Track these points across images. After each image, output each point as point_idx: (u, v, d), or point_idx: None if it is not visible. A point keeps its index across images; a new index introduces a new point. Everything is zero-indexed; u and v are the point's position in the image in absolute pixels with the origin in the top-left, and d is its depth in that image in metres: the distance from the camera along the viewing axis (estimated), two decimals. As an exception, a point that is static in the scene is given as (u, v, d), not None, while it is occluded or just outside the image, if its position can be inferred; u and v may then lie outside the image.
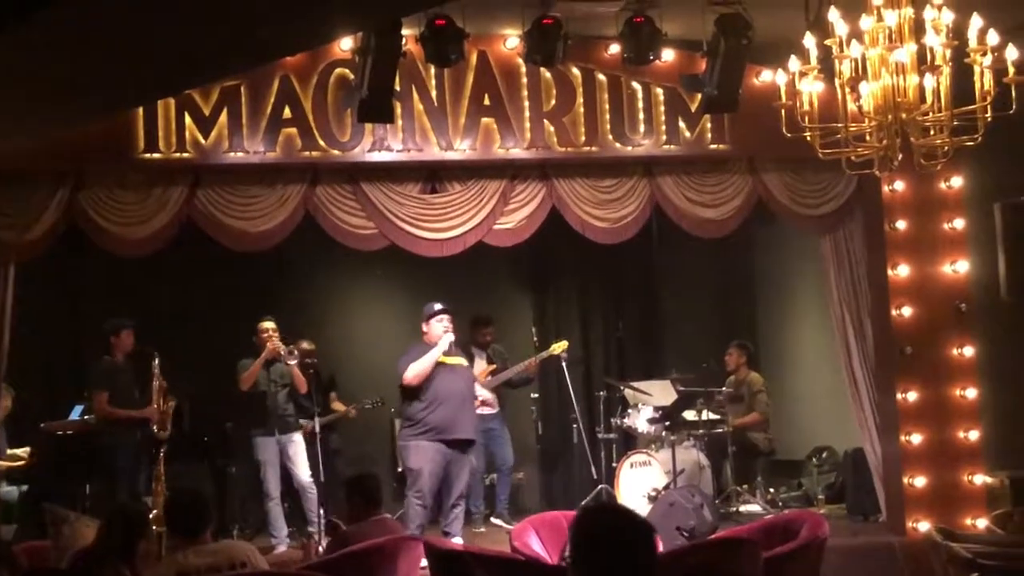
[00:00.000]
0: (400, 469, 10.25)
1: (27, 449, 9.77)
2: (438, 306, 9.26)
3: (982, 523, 9.00)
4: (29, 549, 7.23)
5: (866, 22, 6.24)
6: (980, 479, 9.52)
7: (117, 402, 9.38)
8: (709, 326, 12.22)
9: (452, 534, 9.13)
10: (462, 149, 9.09)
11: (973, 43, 6.14)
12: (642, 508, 9.40)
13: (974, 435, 9.55)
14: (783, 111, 6.55)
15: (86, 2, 4.70)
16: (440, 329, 9.15)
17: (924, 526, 9.13)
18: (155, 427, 9.29)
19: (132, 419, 9.32)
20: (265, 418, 9.64)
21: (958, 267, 9.61)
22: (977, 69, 6.17)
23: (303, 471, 9.60)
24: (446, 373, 9.14)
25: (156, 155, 8.72)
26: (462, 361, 9.44)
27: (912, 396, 9.52)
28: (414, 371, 9.03)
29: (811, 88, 6.46)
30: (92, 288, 10.60)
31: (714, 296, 12.56)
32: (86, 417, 9.66)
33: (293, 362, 9.58)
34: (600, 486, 10.16)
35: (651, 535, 3.28)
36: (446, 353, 9.16)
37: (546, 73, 9.03)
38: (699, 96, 8.93)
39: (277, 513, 9.65)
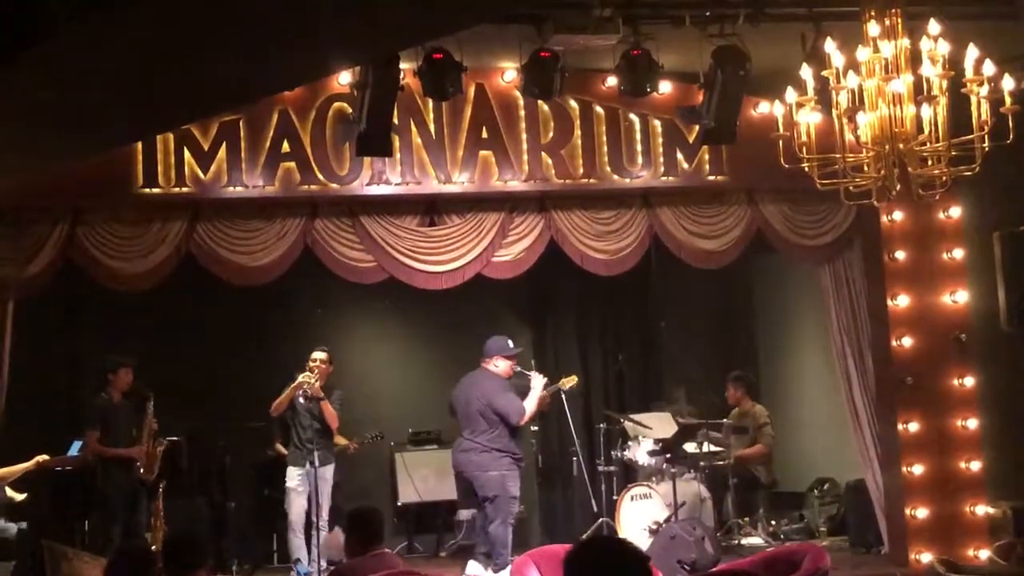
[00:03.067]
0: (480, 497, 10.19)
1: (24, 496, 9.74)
2: (512, 346, 9.50)
3: (984, 554, 8.98)
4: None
5: (862, 53, 6.27)
6: (982, 510, 9.48)
7: (110, 440, 9.34)
8: (709, 357, 12.19)
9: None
10: (460, 182, 9.11)
11: (970, 73, 6.16)
12: (643, 541, 9.35)
13: (976, 465, 9.53)
14: (781, 142, 6.56)
15: (84, 38, 4.71)
16: (507, 367, 9.42)
17: (927, 557, 9.11)
18: (141, 468, 9.32)
19: (119, 457, 9.31)
20: (298, 448, 9.63)
21: (958, 297, 9.61)
22: (974, 99, 6.19)
23: (325, 506, 9.57)
24: None
25: (155, 190, 8.74)
26: None
27: (913, 427, 9.51)
28: (529, 412, 9.35)
29: (808, 119, 6.48)
30: (90, 322, 10.58)
31: (714, 327, 12.53)
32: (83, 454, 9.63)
33: (303, 400, 9.56)
34: (601, 519, 10.13)
35: (645, 566, 3.26)
36: None
37: (544, 106, 9.07)
38: (696, 128, 8.97)
39: (300, 544, 9.58)
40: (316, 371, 9.55)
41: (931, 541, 9.34)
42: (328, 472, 9.65)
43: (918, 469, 9.49)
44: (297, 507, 9.60)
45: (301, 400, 9.55)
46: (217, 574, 9.05)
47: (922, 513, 9.44)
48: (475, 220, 9.35)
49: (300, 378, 9.52)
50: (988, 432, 9.58)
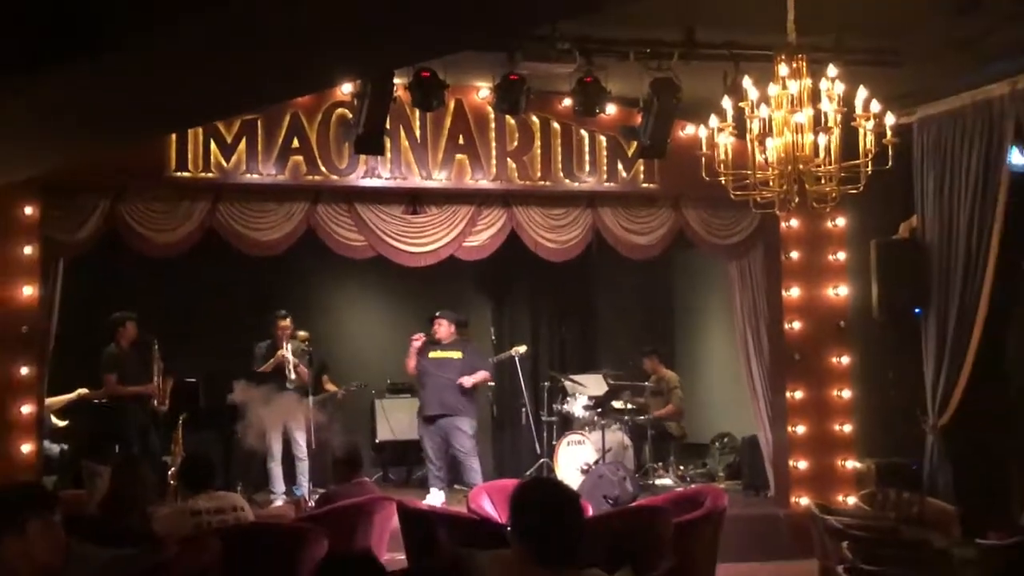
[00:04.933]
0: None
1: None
2: (436, 313, 9.76)
3: (852, 500, 9.08)
4: (68, 497, 7.16)
5: (773, 89, 6.29)
6: (851, 464, 9.60)
7: (125, 383, 9.27)
8: (636, 332, 12.24)
9: (468, 485, 9.23)
10: (439, 179, 9.07)
11: (859, 109, 6.21)
12: (576, 478, 9.42)
13: (848, 428, 9.63)
14: (703, 159, 6.59)
15: (130, 52, 4.66)
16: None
17: (805, 501, 9.20)
18: (155, 401, 9.28)
19: (138, 394, 9.25)
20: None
21: (840, 291, 9.70)
22: (861, 131, 6.24)
23: (301, 442, 9.55)
24: (433, 365, 9.60)
25: (185, 174, 8.66)
26: (451, 355, 9.54)
27: (799, 395, 9.60)
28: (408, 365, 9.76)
29: (726, 141, 6.50)
30: (126, 281, 10.46)
31: (641, 308, 12.58)
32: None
33: (293, 376, 9.52)
34: (541, 460, 10.18)
35: (576, 501, 3.26)
36: (441, 349, 9.66)
37: (511, 120, 9.03)
38: (635, 144, 8.97)
39: (277, 473, 9.58)
40: (284, 336, 9.58)
41: (809, 488, 9.44)
42: (299, 414, 9.57)
43: (801, 429, 9.58)
44: (276, 443, 9.57)
45: (292, 378, 9.52)
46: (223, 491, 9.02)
47: (803, 465, 9.55)
48: (450, 211, 9.31)
49: (279, 354, 9.59)
50: (859, 401, 9.69)
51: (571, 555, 3.14)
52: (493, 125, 9.11)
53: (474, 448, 9.56)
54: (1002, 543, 6.24)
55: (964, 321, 8.76)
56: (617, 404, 10.63)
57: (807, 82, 6.26)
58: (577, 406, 10.42)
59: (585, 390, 10.58)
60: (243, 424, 9.01)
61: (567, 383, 10.78)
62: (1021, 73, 8.01)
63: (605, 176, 9.39)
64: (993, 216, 8.53)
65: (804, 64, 6.27)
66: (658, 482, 10.26)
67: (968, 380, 8.78)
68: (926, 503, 7.75)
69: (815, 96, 6.29)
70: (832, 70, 6.27)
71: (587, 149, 9.33)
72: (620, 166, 9.39)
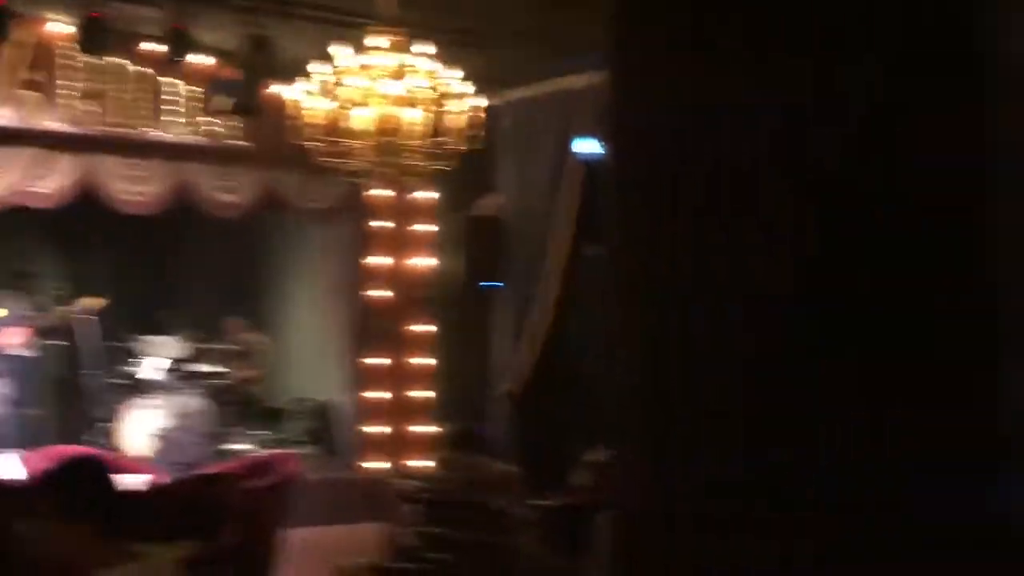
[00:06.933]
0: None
1: None
2: None
3: (424, 465, 9.47)
4: None
5: (366, 59, 6.37)
6: (427, 429, 9.98)
7: None
8: (221, 292, 11.94)
9: None
10: (2, 116, 8.30)
11: (450, 88, 6.45)
12: (148, 444, 9.11)
13: (427, 395, 10.00)
14: (295, 122, 6.55)
15: None
16: None
17: (379, 465, 9.47)
18: None
19: None
20: None
21: (426, 262, 10.03)
22: (455, 110, 6.48)
23: None
24: None
25: None
26: None
27: (381, 361, 9.83)
28: None
29: (316, 106, 6.49)
30: None
31: (228, 266, 12.26)
32: None
33: None
34: (106, 424, 9.69)
35: (101, 471, 3.22)
36: None
37: (91, 59, 8.45)
38: (226, 99, 8.71)
39: None
40: None
41: (384, 453, 9.72)
42: None
43: (380, 395, 9.83)
44: None
45: None
46: None
47: (379, 430, 9.80)
48: (15, 153, 8.53)
49: None
50: (441, 369, 10.08)
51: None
52: (72, 64, 8.46)
53: None
54: (553, 504, 6.80)
55: (538, 298, 9.39)
56: (196, 367, 10.35)
57: (405, 57, 6.39)
58: (151, 369, 10.03)
59: (162, 352, 10.20)
60: None
61: (142, 344, 10.33)
62: (597, 69, 8.65)
63: (193, 129, 9.05)
64: (565, 201, 9.19)
65: (403, 38, 6.40)
66: (235, 447, 10.12)
67: (540, 353, 9.42)
68: (492, 466, 8.25)
69: (412, 71, 6.43)
70: (430, 48, 6.45)
71: (177, 100, 8.94)
72: (210, 120, 9.08)
